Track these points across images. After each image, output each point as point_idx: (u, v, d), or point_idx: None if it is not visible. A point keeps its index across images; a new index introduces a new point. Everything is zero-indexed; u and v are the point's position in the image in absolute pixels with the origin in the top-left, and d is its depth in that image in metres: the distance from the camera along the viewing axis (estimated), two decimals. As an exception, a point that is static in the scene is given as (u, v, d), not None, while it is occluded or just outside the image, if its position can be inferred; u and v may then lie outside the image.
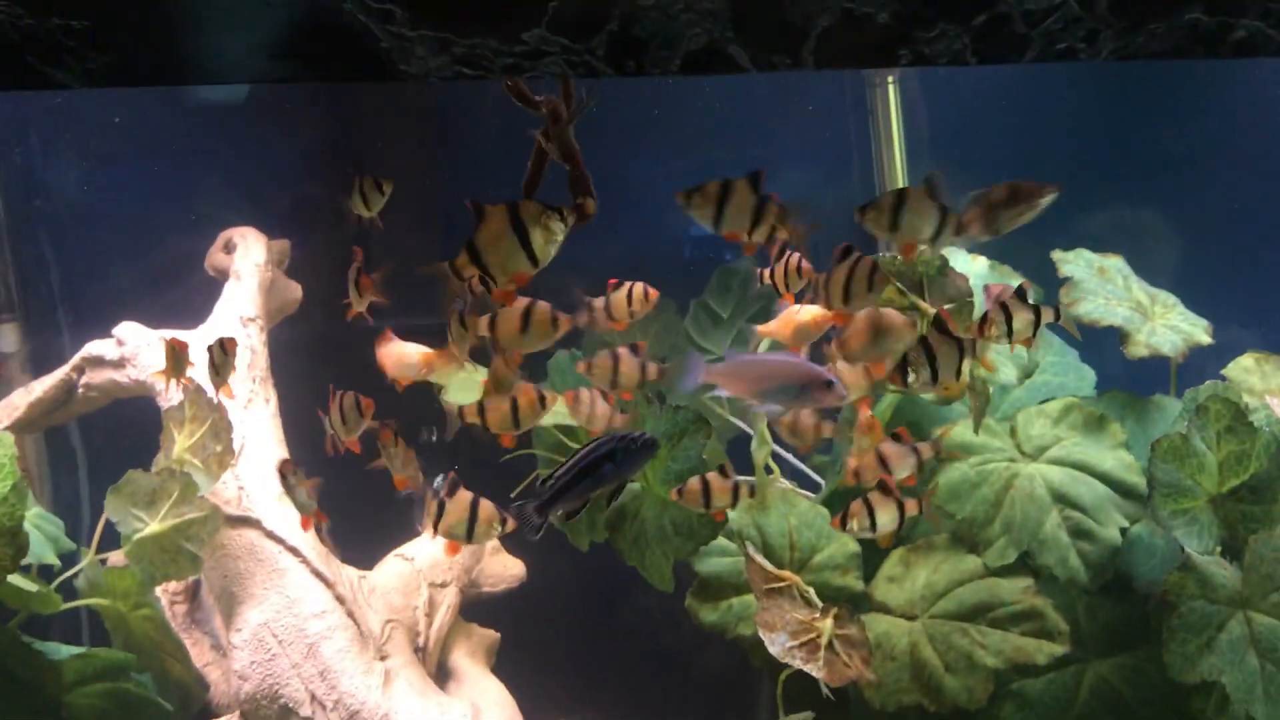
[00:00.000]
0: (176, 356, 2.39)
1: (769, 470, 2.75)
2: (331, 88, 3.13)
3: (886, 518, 2.17)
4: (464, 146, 3.28)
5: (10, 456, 2.31)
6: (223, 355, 2.29)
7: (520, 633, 3.03)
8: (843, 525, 2.18)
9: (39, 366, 3.14)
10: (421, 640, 2.76)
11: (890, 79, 3.21)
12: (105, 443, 3.26)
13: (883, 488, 2.19)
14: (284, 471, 2.24)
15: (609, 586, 3.18)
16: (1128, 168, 3.32)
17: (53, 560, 2.59)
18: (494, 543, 3.10)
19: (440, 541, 2.91)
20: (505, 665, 2.90)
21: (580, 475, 1.95)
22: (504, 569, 3.10)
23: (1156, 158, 3.32)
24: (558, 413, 2.69)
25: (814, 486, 2.83)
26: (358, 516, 2.91)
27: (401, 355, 2.19)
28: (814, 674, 2.23)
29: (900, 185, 3.27)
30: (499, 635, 2.92)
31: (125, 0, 1.69)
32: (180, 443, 2.60)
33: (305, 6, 1.71)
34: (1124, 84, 3.32)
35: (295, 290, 3.10)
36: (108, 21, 1.70)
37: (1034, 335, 2.15)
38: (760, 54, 1.76)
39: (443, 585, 2.86)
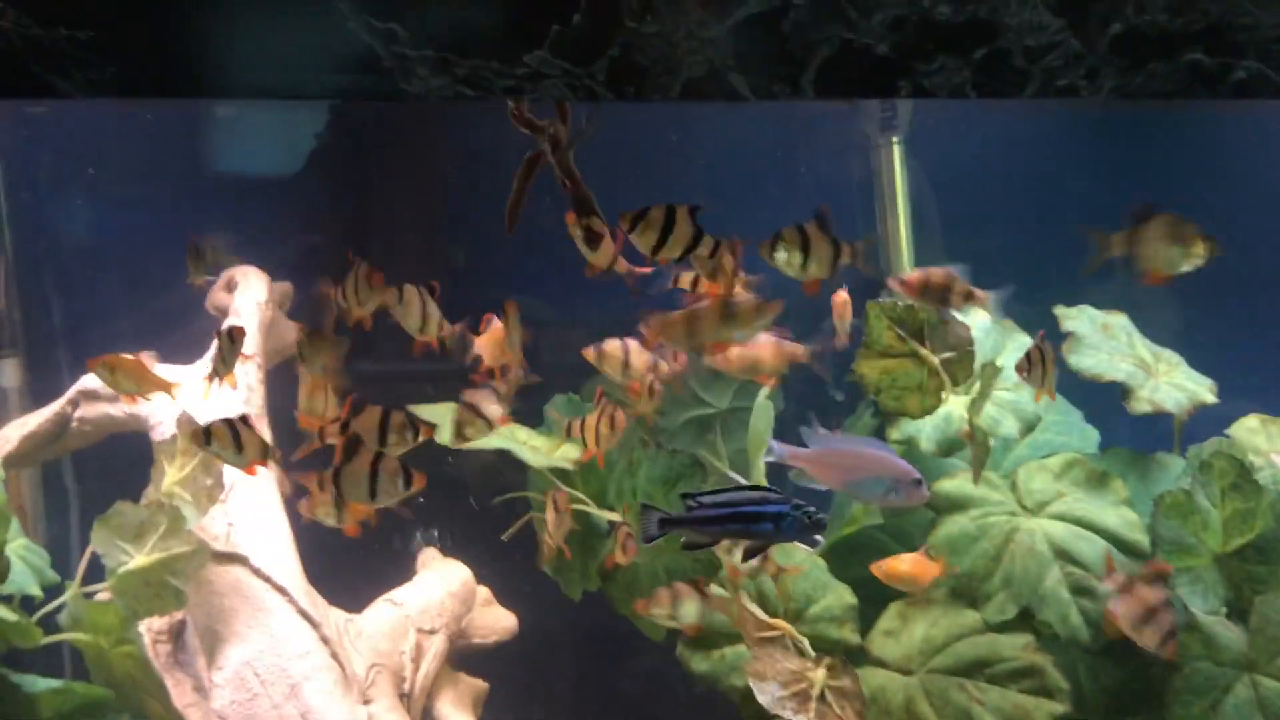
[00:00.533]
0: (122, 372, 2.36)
1: (766, 522, 2.71)
2: (340, 134, 3.15)
3: (689, 609, 2.27)
4: (470, 191, 3.30)
5: (-3, 479, 2.29)
6: (230, 344, 2.24)
7: (510, 684, 2.97)
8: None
9: (38, 402, 3.12)
10: (407, 686, 2.70)
11: (895, 139, 3.23)
12: (98, 480, 3.24)
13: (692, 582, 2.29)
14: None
15: (601, 639, 3.13)
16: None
17: (35, 592, 2.55)
18: (485, 594, 3.05)
19: (432, 585, 2.89)
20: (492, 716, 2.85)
21: (734, 518, 1.90)
22: (495, 621, 3.05)
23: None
24: (555, 456, 2.68)
25: (811, 540, 2.79)
26: (351, 561, 2.88)
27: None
28: (805, 724, 2.18)
29: (903, 242, 3.27)
30: (486, 685, 2.86)
31: (131, 13, 1.71)
32: (170, 475, 2.58)
33: (309, 24, 1.72)
34: (1130, 144, 3.33)
35: (293, 332, 3.09)
36: (114, 33, 1.71)
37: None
38: (760, 83, 1.77)
39: (431, 632, 2.81)
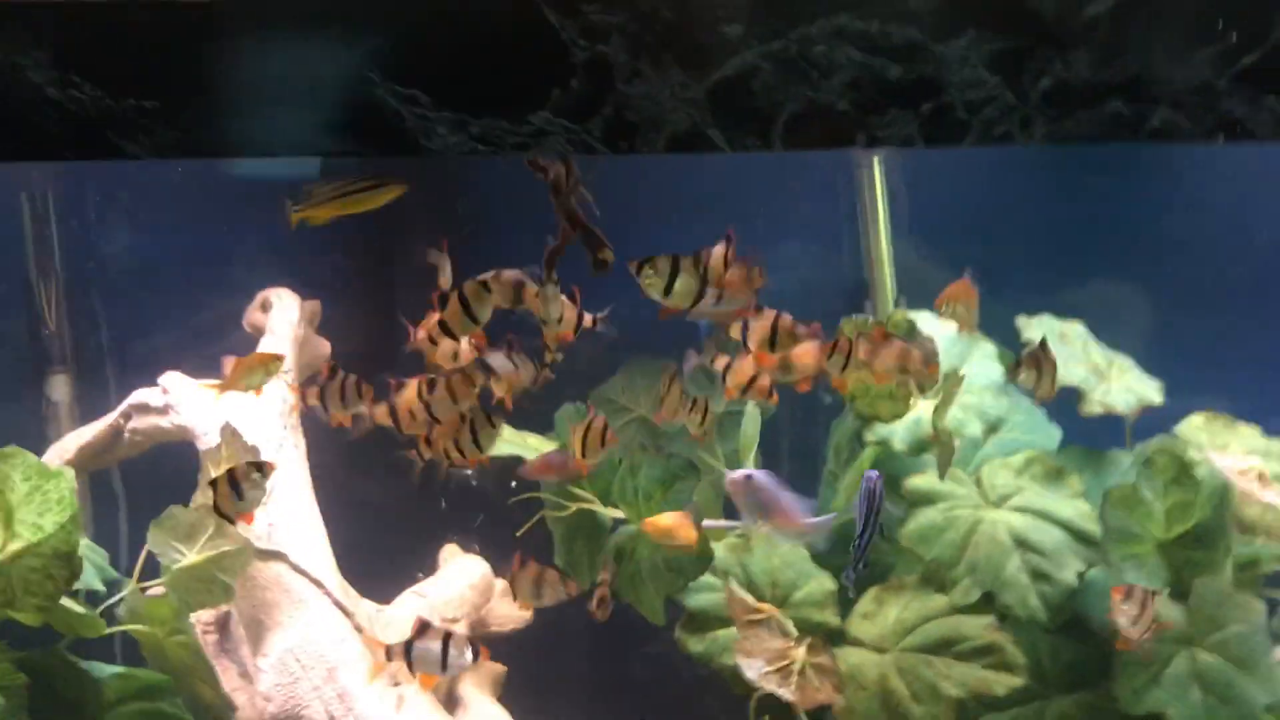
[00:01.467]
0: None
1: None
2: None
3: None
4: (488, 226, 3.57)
5: (70, 490, 2.57)
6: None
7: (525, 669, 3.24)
8: None
9: (86, 415, 3.40)
10: (432, 670, 2.97)
11: (875, 159, 3.49)
12: (143, 488, 3.52)
13: None
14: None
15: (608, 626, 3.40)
16: (1095, 248, 3.59)
17: (99, 587, 2.83)
18: (503, 586, 3.32)
19: (453, 578, 3.16)
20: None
21: (874, 524, 2.26)
22: (511, 611, 3.32)
23: (1122, 240, 3.59)
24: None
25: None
26: (381, 560, 3.16)
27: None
28: (785, 697, 2.45)
29: (884, 259, 3.53)
30: (505, 669, 3.12)
31: (190, 84, 1.98)
32: (217, 481, 2.85)
33: (344, 91, 1.99)
34: (1094, 172, 3.60)
35: (324, 347, 3.37)
36: (174, 102, 1.99)
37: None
38: (735, 136, 2.04)
39: (453, 621, 3.07)
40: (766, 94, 2.01)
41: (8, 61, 1.95)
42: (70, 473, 2.63)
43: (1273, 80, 2.04)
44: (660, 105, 2.01)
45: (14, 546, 2.47)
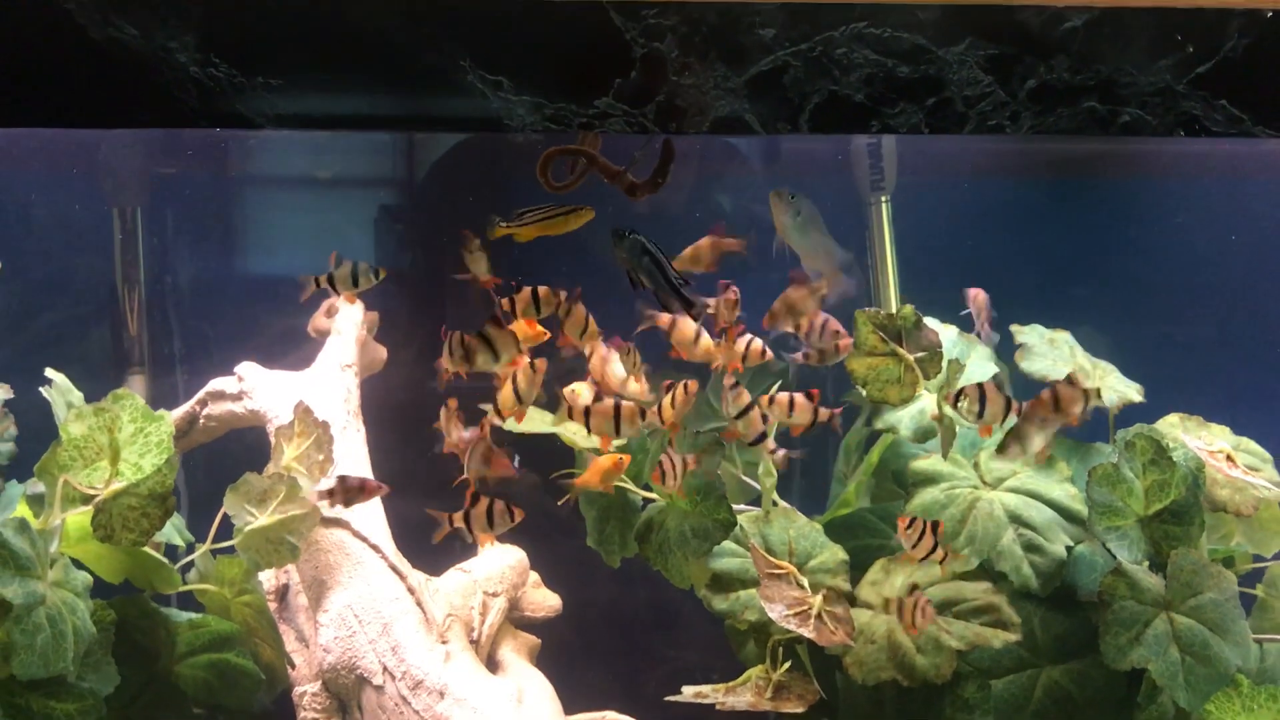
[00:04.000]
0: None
1: (775, 503, 3.27)
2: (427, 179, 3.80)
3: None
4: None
5: (169, 434, 2.86)
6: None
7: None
8: None
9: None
10: (475, 635, 3.23)
11: (884, 199, 3.86)
12: (202, 482, 3.82)
13: None
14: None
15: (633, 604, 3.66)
16: (1087, 281, 3.95)
17: (178, 542, 3.11)
18: (535, 578, 3.60)
19: (494, 559, 3.44)
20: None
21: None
22: (543, 600, 3.58)
23: (1111, 271, 3.95)
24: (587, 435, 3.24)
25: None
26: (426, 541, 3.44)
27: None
28: (805, 635, 2.72)
29: (892, 288, 3.88)
30: (540, 640, 3.38)
31: (308, 65, 2.35)
32: (288, 453, 3.15)
33: (438, 75, 2.36)
34: (1087, 208, 3.98)
35: (381, 352, 3.69)
36: (295, 81, 2.36)
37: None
38: (769, 121, 2.40)
39: (494, 595, 3.34)
40: (795, 86, 2.38)
41: (160, 45, 2.32)
42: (169, 417, 2.93)
43: (1224, 85, 2.41)
44: (705, 94, 2.38)
45: (116, 486, 2.76)
